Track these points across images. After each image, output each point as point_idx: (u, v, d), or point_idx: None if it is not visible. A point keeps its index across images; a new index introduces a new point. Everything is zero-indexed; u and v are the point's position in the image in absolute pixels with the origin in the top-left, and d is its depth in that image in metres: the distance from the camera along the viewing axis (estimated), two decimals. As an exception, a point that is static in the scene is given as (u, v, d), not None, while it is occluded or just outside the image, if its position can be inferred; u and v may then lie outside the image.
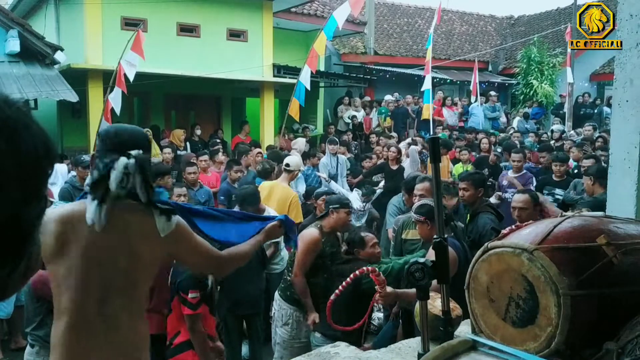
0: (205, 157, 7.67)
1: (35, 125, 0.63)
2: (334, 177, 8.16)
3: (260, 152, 8.41)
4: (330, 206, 4.14)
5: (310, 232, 4.08)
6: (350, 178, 8.77)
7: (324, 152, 9.27)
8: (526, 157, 7.53)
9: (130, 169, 1.77)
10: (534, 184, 6.72)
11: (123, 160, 1.77)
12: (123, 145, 1.83)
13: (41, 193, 0.64)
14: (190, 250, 2.00)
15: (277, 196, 5.66)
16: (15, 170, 0.59)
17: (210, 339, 3.35)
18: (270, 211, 5.32)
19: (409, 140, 10.06)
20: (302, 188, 7.24)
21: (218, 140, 10.83)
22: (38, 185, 0.63)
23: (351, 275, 2.71)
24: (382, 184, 7.89)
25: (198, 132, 11.21)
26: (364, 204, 7.14)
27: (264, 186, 5.86)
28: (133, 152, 1.80)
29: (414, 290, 2.21)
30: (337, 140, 9.15)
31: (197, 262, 2.11)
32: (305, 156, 8.58)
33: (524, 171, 6.92)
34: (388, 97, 14.02)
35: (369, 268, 2.72)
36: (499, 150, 8.94)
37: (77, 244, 1.80)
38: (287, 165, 6.08)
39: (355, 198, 7.19)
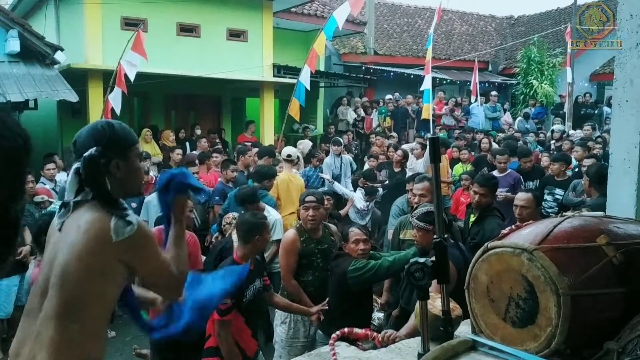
0: (217, 155, 7.77)
1: (11, 120, 0.63)
2: (337, 178, 8.19)
3: (259, 153, 8.43)
4: (300, 205, 4.19)
5: (286, 234, 4.13)
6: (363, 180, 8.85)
7: (324, 152, 9.29)
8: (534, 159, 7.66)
9: (82, 173, 1.77)
10: (523, 182, 6.73)
11: (74, 167, 1.79)
12: (83, 149, 1.80)
13: (24, 187, 0.64)
14: (146, 266, 1.81)
15: (296, 185, 6.51)
16: (0, 168, 0.59)
17: (241, 351, 3.30)
18: (270, 211, 5.34)
19: (416, 143, 10.03)
20: None
21: (218, 140, 10.86)
22: (22, 181, 0.63)
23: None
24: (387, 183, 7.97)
25: (198, 132, 11.22)
26: (367, 203, 7.18)
27: (282, 178, 6.54)
28: (86, 154, 1.77)
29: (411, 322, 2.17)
30: (341, 141, 9.21)
31: (151, 280, 1.91)
32: (305, 158, 8.62)
33: (509, 171, 6.94)
34: (388, 97, 14.04)
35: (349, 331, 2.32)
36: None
37: (47, 245, 1.84)
38: (289, 155, 6.82)
39: (358, 197, 7.24)
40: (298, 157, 7.07)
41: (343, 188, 7.73)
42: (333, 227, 4.45)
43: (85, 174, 1.75)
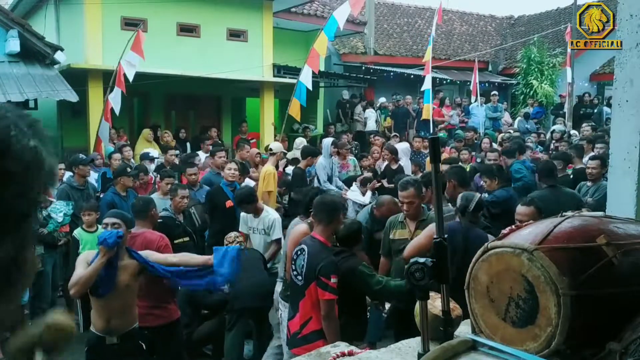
0: (222, 152, 7.83)
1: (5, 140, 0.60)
2: (330, 178, 8.30)
3: (259, 153, 8.45)
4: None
5: (298, 227, 4.13)
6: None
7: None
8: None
9: None
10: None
11: None
12: None
13: (11, 208, 0.61)
14: None
15: (261, 173, 7.00)
16: None
17: None
18: (269, 211, 5.34)
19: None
20: None
21: (214, 141, 10.90)
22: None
23: None
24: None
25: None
26: (365, 191, 7.35)
27: (270, 170, 7.00)
28: None
29: None
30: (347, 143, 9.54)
31: None
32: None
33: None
34: (382, 100, 14.08)
35: None
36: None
37: None
38: (271, 149, 7.40)
39: (353, 192, 7.39)
40: (281, 151, 7.70)
41: (333, 187, 7.94)
42: None
43: None
